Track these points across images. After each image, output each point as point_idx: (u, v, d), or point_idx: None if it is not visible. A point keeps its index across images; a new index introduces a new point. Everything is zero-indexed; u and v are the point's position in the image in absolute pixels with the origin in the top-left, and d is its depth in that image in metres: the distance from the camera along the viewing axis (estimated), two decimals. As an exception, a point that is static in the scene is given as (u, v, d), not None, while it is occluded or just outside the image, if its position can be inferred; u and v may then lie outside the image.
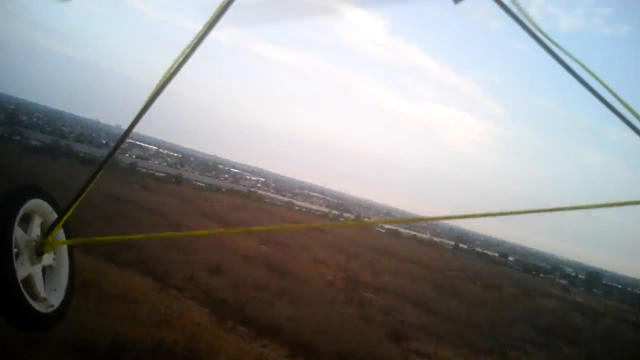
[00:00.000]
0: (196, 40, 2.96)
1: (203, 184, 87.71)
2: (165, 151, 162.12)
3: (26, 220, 3.11)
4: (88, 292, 18.13)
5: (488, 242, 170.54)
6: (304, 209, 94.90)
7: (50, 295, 3.16)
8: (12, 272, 2.75)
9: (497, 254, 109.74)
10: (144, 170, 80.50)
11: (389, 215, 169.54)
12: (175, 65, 2.99)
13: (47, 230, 3.19)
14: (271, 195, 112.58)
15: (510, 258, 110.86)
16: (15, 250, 2.84)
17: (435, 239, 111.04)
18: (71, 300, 3.35)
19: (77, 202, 3.18)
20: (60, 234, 3.31)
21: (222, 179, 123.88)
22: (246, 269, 28.10)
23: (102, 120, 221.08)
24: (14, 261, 2.80)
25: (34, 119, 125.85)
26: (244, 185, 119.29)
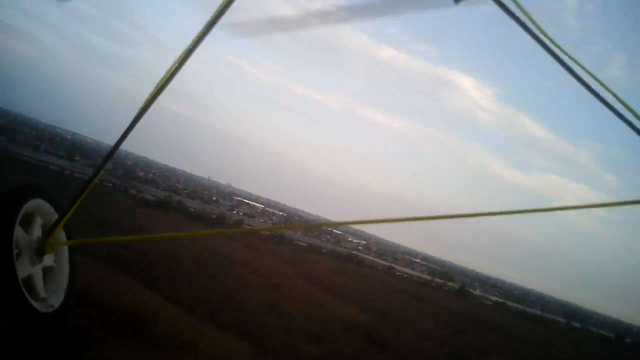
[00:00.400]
0: (196, 40, 2.88)
1: (304, 244, 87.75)
2: (271, 209, 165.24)
3: (27, 221, 3.08)
4: (185, 353, 17.81)
5: (603, 321, 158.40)
6: (405, 275, 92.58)
7: (51, 296, 3.11)
8: (13, 271, 2.73)
9: (612, 335, 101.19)
10: (249, 227, 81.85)
11: (495, 287, 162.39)
12: (176, 66, 2.92)
13: (48, 230, 3.17)
14: (372, 258, 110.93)
15: (627, 340, 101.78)
16: (16, 250, 2.81)
17: (545, 315, 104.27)
18: (71, 301, 3.30)
19: (78, 203, 3.17)
20: (61, 234, 3.28)
21: (323, 239, 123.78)
22: (345, 338, 27.01)
23: (214, 178, 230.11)
24: (15, 261, 2.78)
25: (151, 175, 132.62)
26: (345, 247, 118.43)
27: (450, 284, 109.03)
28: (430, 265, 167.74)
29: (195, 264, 30.56)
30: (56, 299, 3.14)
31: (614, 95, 3.03)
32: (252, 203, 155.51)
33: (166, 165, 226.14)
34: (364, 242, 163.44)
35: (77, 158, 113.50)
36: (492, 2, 2.82)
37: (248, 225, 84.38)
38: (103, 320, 20.25)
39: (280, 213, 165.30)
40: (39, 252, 3.07)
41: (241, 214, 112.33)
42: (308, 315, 28.39)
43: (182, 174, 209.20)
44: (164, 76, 2.95)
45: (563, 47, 2.98)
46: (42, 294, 3.02)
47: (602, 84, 3.02)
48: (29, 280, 2.93)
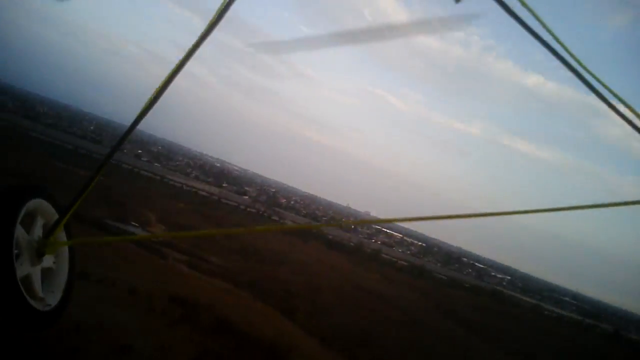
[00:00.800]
0: (198, 40, 2.91)
1: (444, 277, 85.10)
2: (410, 239, 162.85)
3: (28, 221, 3.05)
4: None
5: None
6: (553, 315, 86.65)
7: (48, 295, 3.12)
8: (12, 271, 2.73)
9: None
10: (387, 257, 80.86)
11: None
12: (176, 67, 2.95)
13: (49, 230, 3.16)
14: (516, 295, 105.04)
15: None
16: (15, 251, 2.81)
17: None
18: (69, 301, 3.29)
19: (78, 202, 3.14)
20: (61, 235, 3.26)
21: (465, 273, 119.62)
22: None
23: (352, 206, 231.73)
24: (14, 261, 2.78)
25: (292, 202, 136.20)
26: (488, 282, 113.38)
27: (603, 325, 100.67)
28: (580, 304, 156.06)
29: (333, 295, 30.15)
30: (54, 299, 3.17)
31: (615, 95, 3.03)
32: (390, 232, 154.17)
33: (307, 193, 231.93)
34: (509, 278, 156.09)
35: (225, 184, 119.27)
36: (493, 1, 2.80)
37: (386, 255, 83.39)
38: (241, 348, 20.22)
39: (419, 243, 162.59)
40: (39, 253, 3.08)
41: (379, 242, 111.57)
42: (449, 356, 26.83)
43: (322, 201, 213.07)
44: (165, 77, 3.00)
45: (568, 47, 2.99)
46: (40, 294, 3.03)
47: (604, 85, 3.01)
48: (27, 279, 2.94)
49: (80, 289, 20.25)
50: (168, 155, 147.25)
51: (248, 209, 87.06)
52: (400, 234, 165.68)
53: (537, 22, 2.94)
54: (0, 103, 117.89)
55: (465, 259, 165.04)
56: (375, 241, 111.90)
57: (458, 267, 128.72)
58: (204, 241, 38.67)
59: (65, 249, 3.38)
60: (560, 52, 2.93)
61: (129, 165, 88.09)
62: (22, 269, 2.88)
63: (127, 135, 3.24)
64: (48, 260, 3.19)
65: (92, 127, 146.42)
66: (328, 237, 76.78)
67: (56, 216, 3.25)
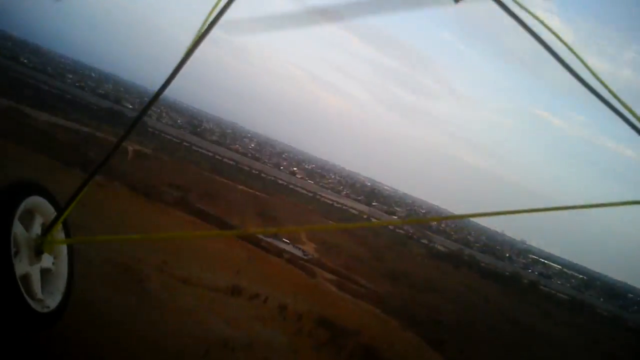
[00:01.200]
0: (197, 38, 2.92)
1: (607, 314, 78.02)
2: (570, 271, 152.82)
3: (27, 218, 2.99)
4: None
5: None
6: None
7: (47, 297, 3.06)
8: (11, 267, 2.65)
9: None
10: (545, 289, 75.97)
11: None
12: (177, 65, 2.90)
13: (47, 228, 3.08)
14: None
15: None
16: (14, 249, 2.76)
17: None
18: (68, 302, 3.22)
19: (77, 200, 3.06)
20: (60, 234, 3.20)
21: (630, 310, 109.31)
22: None
23: (507, 233, 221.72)
24: (13, 258, 2.71)
25: (442, 225, 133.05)
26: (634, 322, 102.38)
27: None
28: None
29: (487, 330, 28.22)
30: (52, 301, 3.09)
31: (614, 95, 2.96)
32: (549, 263, 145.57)
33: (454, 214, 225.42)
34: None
35: (375, 203, 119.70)
36: (492, 1, 2.80)
37: (545, 287, 78.22)
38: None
39: (580, 275, 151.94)
40: (37, 251, 2.99)
41: (536, 273, 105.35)
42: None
43: (475, 226, 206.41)
44: (174, 69, 2.90)
45: (570, 45, 2.94)
46: (39, 295, 2.97)
47: (603, 83, 2.94)
48: (25, 279, 2.85)
49: (234, 305, 20.48)
50: (321, 173, 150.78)
51: (396, 230, 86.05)
52: (559, 265, 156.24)
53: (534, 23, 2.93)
54: (171, 119, 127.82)
55: (631, 295, 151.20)
56: (532, 271, 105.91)
57: (623, 303, 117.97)
58: (353, 262, 38.33)
59: (65, 248, 3.29)
60: (561, 55, 2.92)
61: (284, 181, 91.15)
62: (21, 266, 2.80)
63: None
64: (47, 261, 3.10)
65: (252, 145, 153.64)
66: (481, 264, 73.75)
67: (55, 215, 3.15)
